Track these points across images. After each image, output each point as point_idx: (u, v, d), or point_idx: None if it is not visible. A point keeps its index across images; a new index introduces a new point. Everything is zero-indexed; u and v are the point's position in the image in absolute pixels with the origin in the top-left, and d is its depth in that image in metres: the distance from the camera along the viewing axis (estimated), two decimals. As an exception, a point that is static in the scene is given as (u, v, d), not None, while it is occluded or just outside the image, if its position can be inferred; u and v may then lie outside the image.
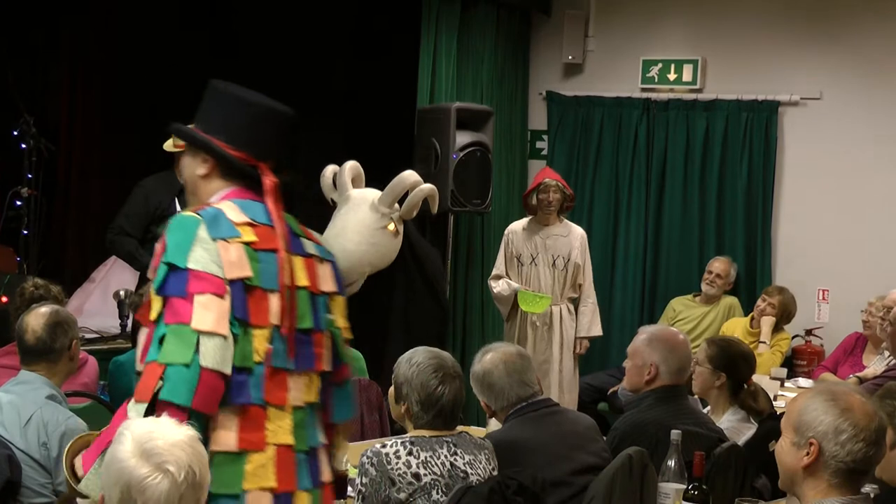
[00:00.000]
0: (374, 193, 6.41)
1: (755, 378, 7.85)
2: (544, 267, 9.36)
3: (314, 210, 11.16)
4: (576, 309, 9.54)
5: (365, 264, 5.89)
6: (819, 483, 3.50)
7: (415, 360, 4.74)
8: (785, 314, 9.59)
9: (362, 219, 6.17)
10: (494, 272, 9.68)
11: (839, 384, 3.57)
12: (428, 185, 6.33)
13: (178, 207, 7.96)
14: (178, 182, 8.05)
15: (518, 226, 9.56)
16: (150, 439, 2.97)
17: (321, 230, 10.61)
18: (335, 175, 6.44)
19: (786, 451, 3.56)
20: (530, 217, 9.57)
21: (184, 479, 2.94)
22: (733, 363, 5.87)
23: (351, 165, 6.60)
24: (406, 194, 6.03)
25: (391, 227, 6.09)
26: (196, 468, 2.98)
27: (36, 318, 5.13)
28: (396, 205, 6.01)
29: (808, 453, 3.48)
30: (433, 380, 4.64)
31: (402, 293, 8.56)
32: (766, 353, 9.25)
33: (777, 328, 9.57)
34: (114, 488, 2.94)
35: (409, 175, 6.51)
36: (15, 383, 5.05)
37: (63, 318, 5.16)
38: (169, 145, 8.01)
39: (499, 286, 9.49)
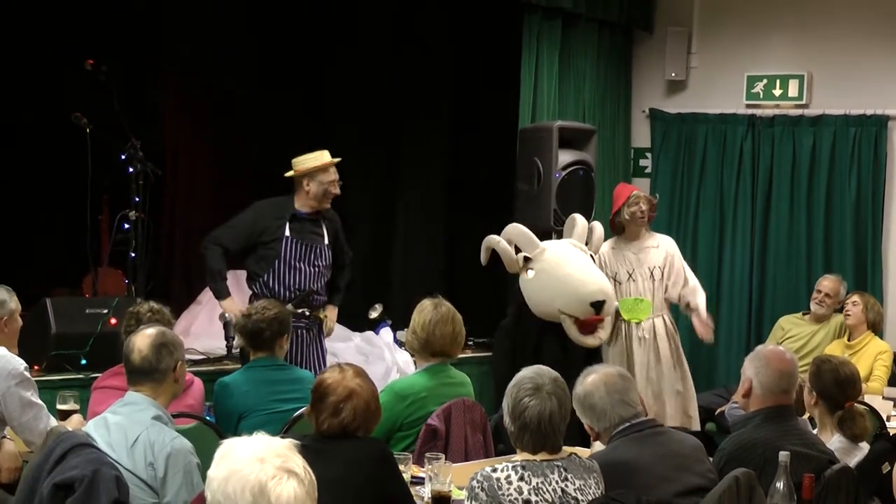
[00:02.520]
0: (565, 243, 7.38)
1: (868, 398, 7.76)
2: (643, 280, 9.24)
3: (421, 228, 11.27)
4: (674, 321, 9.41)
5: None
6: None
7: (519, 375, 4.73)
8: (870, 307, 9.39)
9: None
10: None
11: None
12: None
13: (288, 233, 8.01)
14: (292, 207, 8.11)
15: (606, 247, 9.37)
16: (260, 447, 3.01)
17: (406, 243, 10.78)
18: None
19: None
20: (615, 237, 9.45)
21: (307, 477, 3.00)
22: (825, 385, 5.78)
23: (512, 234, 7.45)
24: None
25: None
26: (310, 471, 3.03)
27: (142, 339, 5.18)
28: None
29: None
30: (524, 395, 4.61)
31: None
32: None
33: (871, 340, 9.38)
34: (242, 496, 2.96)
35: (581, 218, 7.37)
36: (122, 404, 5.09)
37: (169, 340, 5.20)
38: (308, 167, 8.09)
39: None
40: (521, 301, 8.50)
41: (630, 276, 9.27)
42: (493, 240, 8.45)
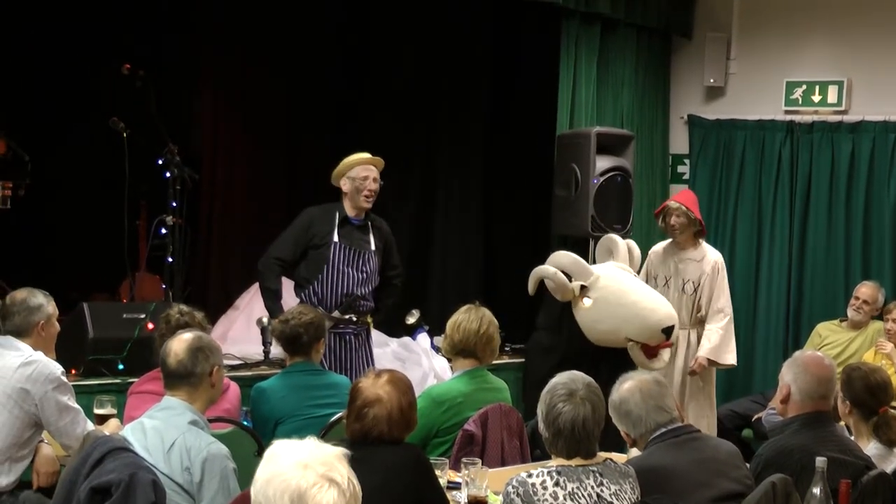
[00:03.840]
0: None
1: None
2: (675, 291, 9.14)
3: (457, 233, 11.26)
4: None
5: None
6: None
7: (553, 381, 4.74)
8: None
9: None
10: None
11: None
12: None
13: (336, 238, 8.02)
14: (342, 212, 8.12)
15: (659, 247, 9.38)
16: (307, 453, 3.00)
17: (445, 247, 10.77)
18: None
19: None
20: (671, 239, 9.40)
21: (348, 488, 2.97)
22: (856, 392, 5.74)
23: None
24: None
25: None
26: (354, 480, 3.01)
27: (179, 343, 5.19)
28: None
29: None
30: (558, 401, 4.62)
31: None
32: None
33: None
34: (281, 499, 2.95)
35: (620, 239, 7.38)
36: (158, 409, 5.10)
37: (205, 344, 5.21)
38: (347, 168, 8.10)
39: None
40: (566, 320, 8.42)
41: (666, 282, 9.21)
42: (545, 271, 8.32)
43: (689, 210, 9.10)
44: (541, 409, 4.67)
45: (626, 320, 8.18)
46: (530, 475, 4.47)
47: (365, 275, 8.16)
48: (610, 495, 4.52)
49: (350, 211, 8.14)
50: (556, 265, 8.26)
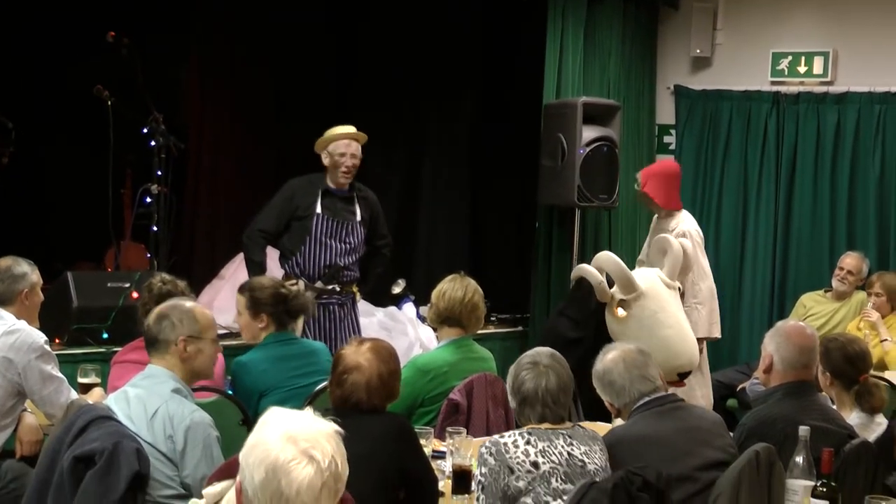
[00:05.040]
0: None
1: (889, 375, 7.75)
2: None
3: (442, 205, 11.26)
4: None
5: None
6: None
7: (520, 357, 4.92)
8: (894, 295, 9.36)
9: None
10: (639, 257, 9.56)
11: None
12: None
13: (319, 209, 8.01)
14: (324, 184, 8.11)
15: (655, 218, 9.42)
16: (297, 427, 2.98)
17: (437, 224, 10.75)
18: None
19: None
20: None
21: (327, 468, 2.94)
22: (835, 363, 5.76)
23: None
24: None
25: None
26: (339, 460, 2.99)
27: (156, 309, 5.18)
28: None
29: None
30: (522, 370, 4.80)
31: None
32: (893, 349, 9.06)
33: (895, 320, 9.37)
34: (257, 469, 2.94)
35: (675, 246, 7.69)
36: (142, 377, 5.08)
37: (175, 313, 5.11)
38: (325, 143, 8.08)
39: None
40: (597, 316, 8.25)
41: (647, 252, 9.26)
42: (591, 276, 7.74)
43: (639, 182, 9.12)
44: (509, 382, 4.84)
45: (649, 349, 8.03)
46: (502, 436, 4.62)
47: (349, 246, 8.15)
48: (581, 454, 4.63)
49: (332, 183, 8.13)
50: (600, 267, 7.85)
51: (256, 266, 8.05)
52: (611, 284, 7.63)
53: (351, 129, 8.18)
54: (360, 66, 11.41)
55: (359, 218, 8.21)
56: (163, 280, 6.41)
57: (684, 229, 9.11)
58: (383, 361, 4.91)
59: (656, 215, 9.36)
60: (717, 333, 9.16)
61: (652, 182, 9.12)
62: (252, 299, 6.57)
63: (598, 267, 7.61)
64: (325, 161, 8.10)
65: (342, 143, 8.07)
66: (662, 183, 9.17)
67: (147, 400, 4.90)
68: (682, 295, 8.94)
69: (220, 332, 8.44)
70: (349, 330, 8.15)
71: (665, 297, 7.80)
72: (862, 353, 5.89)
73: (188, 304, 5.25)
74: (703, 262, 9.16)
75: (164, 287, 6.32)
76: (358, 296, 8.38)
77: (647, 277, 7.64)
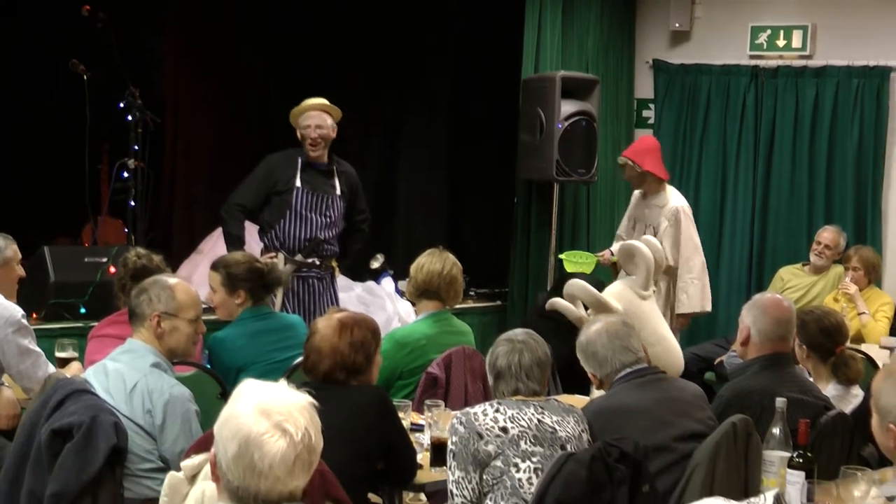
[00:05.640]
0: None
1: (865, 348, 7.78)
2: (639, 235, 9.19)
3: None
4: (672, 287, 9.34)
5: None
6: None
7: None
8: (871, 269, 9.40)
9: None
10: (618, 232, 9.62)
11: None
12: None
13: (299, 183, 8.00)
14: (304, 157, 8.09)
15: (637, 193, 9.45)
16: (270, 399, 2.97)
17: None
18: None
19: (876, 430, 3.51)
20: None
21: (300, 441, 2.94)
22: (811, 335, 5.78)
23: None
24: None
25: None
26: (312, 432, 2.98)
27: (139, 285, 5.19)
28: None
29: (893, 437, 3.41)
30: (497, 348, 4.84)
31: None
32: (870, 322, 9.09)
33: (873, 292, 9.39)
34: (231, 442, 2.93)
35: (645, 255, 7.29)
36: (122, 351, 5.08)
37: (154, 288, 5.12)
38: (294, 116, 8.06)
39: None
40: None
41: (634, 225, 9.32)
42: (561, 305, 7.33)
43: (636, 164, 9.14)
44: (487, 361, 4.90)
45: None
46: (473, 407, 4.69)
47: (329, 219, 8.14)
48: (552, 422, 4.66)
49: (309, 156, 8.11)
50: (572, 295, 7.72)
51: (235, 239, 8.04)
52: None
53: (319, 100, 8.16)
54: (338, 41, 11.36)
55: (339, 192, 8.20)
56: (137, 254, 6.38)
57: (677, 205, 9.19)
58: (353, 333, 4.94)
59: (638, 192, 9.38)
60: (709, 307, 9.30)
61: (649, 159, 9.19)
62: (228, 276, 6.54)
63: (571, 295, 7.52)
64: (298, 134, 8.11)
65: (308, 115, 8.07)
66: (656, 158, 9.28)
67: (126, 374, 4.91)
68: (675, 272, 9.02)
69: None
70: (328, 304, 8.13)
71: (644, 312, 7.53)
72: (838, 325, 5.92)
73: (172, 280, 5.24)
74: (696, 237, 9.26)
75: (138, 262, 6.29)
76: (337, 271, 8.38)
77: (621, 296, 7.36)
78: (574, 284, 7.27)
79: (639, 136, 11.08)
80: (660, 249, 7.99)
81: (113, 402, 4.83)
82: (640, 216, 9.36)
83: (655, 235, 9.03)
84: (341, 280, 9.39)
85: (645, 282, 7.41)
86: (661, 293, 9.18)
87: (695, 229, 9.32)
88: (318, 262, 8.14)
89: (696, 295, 9.13)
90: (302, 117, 8.08)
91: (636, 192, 9.47)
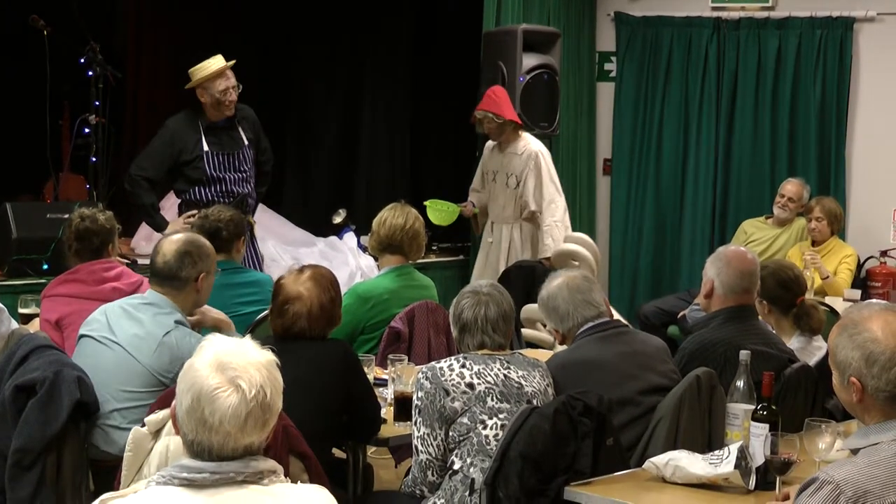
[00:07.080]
0: None
1: (829, 300, 7.82)
2: (500, 185, 9.28)
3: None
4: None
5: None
6: (875, 413, 3.44)
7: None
8: (833, 219, 9.44)
9: None
10: (472, 186, 9.67)
11: (867, 307, 3.42)
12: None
13: (206, 147, 7.93)
14: (204, 121, 8.01)
15: (490, 144, 9.46)
16: (228, 354, 2.96)
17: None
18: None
19: (837, 388, 3.52)
20: None
21: (253, 398, 2.92)
22: (769, 289, 5.81)
23: None
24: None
25: None
26: (268, 390, 2.95)
27: (169, 244, 5.24)
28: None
29: (854, 391, 3.43)
30: (462, 300, 4.84)
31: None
32: (834, 282, 9.09)
33: (836, 244, 9.44)
34: (186, 395, 2.93)
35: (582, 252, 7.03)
36: (144, 302, 5.18)
37: (194, 249, 5.22)
38: (202, 80, 7.97)
39: None
40: None
41: (494, 177, 9.35)
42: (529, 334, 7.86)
43: (495, 115, 9.13)
44: (451, 312, 4.89)
45: None
46: (438, 362, 4.69)
47: (244, 174, 8.07)
48: (518, 377, 4.67)
49: (212, 118, 8.02)
50: (527, 316, 7.83)
51: (149, 208, 7.98)
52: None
53: (222, 61, 8.06)
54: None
55: (246, 142, 8.12)
56: (81, 216, 6.13)
57: (536, 149, 9.23)
58: (324, 290, 4.96)
59: (491, 143, 9.37)
60: None
61: (506, 108, 9.20)
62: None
63: (528, 318, 7.64)
64: (204, 98, 7.96)
65: (221, 79, 7.97)
66: (511, 106, 9.29)
67: (152, 326, 5.07)
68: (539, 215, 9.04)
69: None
70: (249, 260, 8.04)
71: None
72: (795, 277, 5.95)
73: (199, 239, 5.38)
74: (556, 180, 9.31)
75: (82, 224, 6.07)
76: (255, 228, 8.32)
77: None
78: (529, 309, 7.47)
79: (601, 89, 11.10)
80: (593, 244, 8.14)
81: (136, 354, 5.01)
82: (497, 167, 9.32)
83: (518, 183, 9.10)
84: (303, 235, 9.39)
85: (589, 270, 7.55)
86: (528, 240, 9.24)
87: (555, 171, 9.31)
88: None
89: (560, 238, 9.05)
90: (214, 83, 7.96)
91: (489, 144, 9.43)
